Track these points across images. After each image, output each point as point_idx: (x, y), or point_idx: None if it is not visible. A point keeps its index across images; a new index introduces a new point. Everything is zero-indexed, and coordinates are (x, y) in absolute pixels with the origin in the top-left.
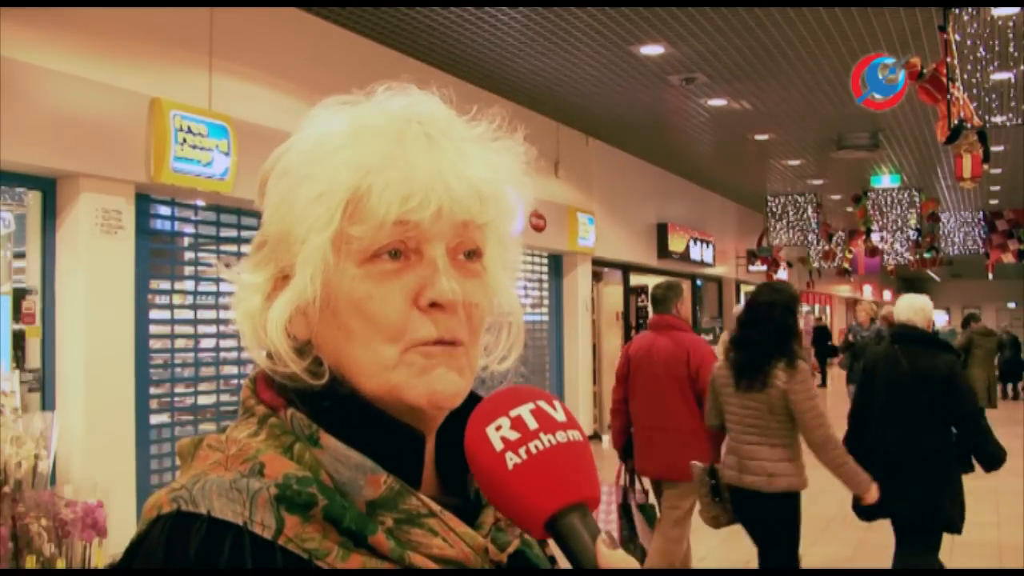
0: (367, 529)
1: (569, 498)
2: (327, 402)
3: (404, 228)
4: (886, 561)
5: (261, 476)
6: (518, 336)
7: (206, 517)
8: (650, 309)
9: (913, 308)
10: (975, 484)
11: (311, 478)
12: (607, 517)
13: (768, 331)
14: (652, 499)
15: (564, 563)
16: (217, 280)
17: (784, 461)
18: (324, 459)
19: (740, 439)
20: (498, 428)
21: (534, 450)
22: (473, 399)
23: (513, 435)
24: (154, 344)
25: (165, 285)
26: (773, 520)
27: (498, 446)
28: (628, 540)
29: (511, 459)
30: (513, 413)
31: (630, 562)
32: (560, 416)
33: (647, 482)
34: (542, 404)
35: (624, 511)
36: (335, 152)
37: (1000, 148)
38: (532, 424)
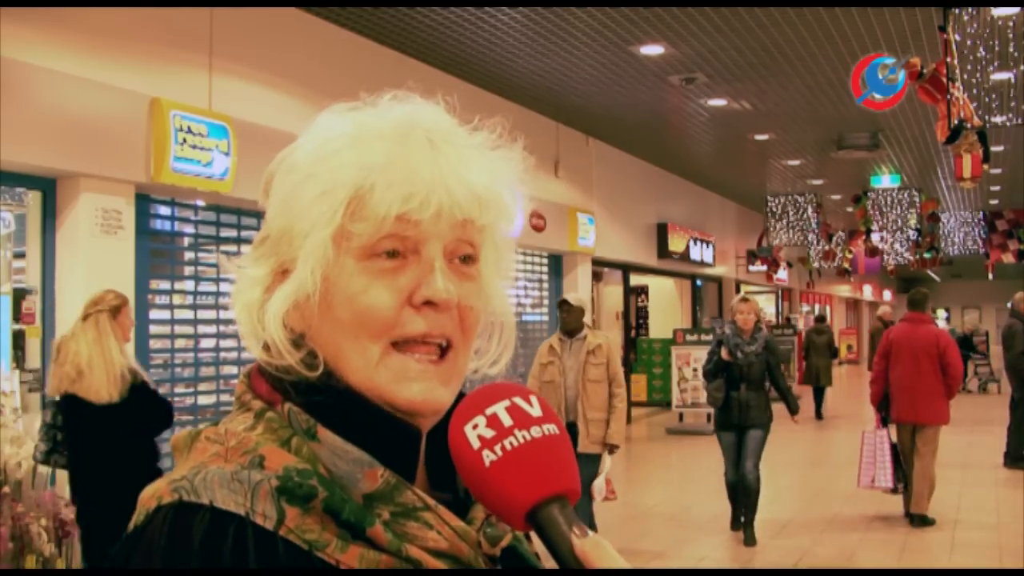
0: (365, 521)
1: (546, 491)
2: (319, 396)
3: (404, 227)
4: (886, 561)
5: (261, 468)
6: (509, 339)
7: (209, 507)
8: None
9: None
10: (977, 482)
11: (311, 471)
12: (880, 455)
13: None
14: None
15: (546, 557)
16: (217, 280)
17: None
18: (321, 453)
19: None
20: (475, 426)
21: (509, 447)
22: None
23: (489, 433)
24: (154, 344)
25: (165, 285)
26: None
27: (475, 444)
28: (899, 469)
29: (488, 456)
30: (489, 411)
31: (603, 549)
32: (536, 411)
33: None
34: (517, 400)
35: (894, 449)
36: (339, 152)
37: (1000, 148)
38: (507, 421)
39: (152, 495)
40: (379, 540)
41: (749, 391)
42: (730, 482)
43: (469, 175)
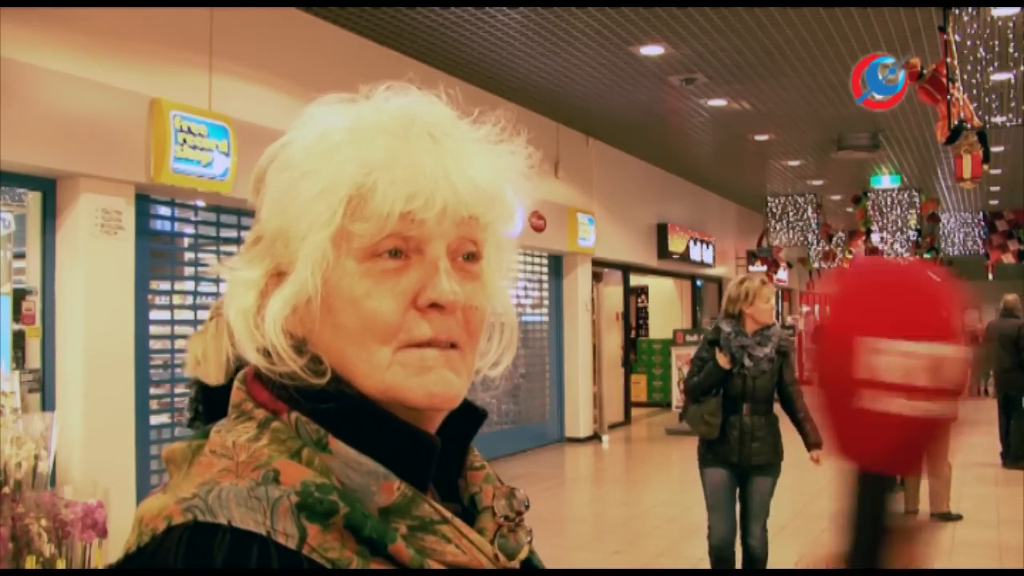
0: (387, 537)
1: (895, 472)
2: (329, 404)
3: (407, 226)
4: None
5: (277, 484)
6: (511, 340)
7: (228, 527)
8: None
9: None
10: (976, 482)
11: (330, 485)
12: None
13: None
14: None
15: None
16: (217, 280)
17: None
18: (334, 465)
19: None
20: (879, 352)
21: (907, 411)
22: (466, 407)
23: (893, 375)
24: (154, 344)
25: (165, 285)
26: None
27: (866, 374)
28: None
29: (876, 402)
30: (905, 347)
31: None
32: (947, 374)
33: None
34: (938, 349)
35: None
36: (338, 148)
37: (1000, 148)
38: (920, 379)
39: (158, 514)
40: (401, 557)
41: (755, 415)
42: (717, 545)
43: (473, 170)
